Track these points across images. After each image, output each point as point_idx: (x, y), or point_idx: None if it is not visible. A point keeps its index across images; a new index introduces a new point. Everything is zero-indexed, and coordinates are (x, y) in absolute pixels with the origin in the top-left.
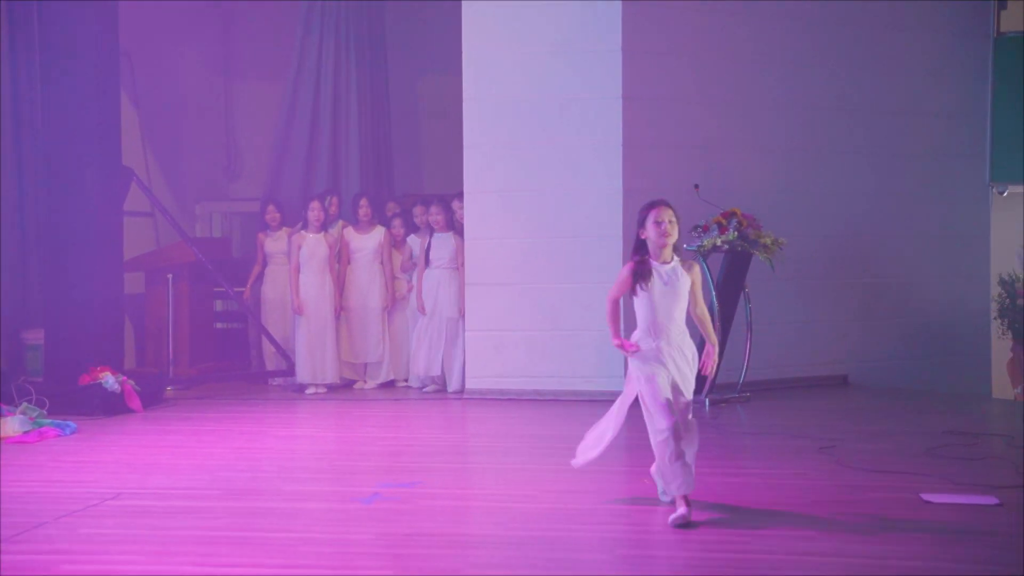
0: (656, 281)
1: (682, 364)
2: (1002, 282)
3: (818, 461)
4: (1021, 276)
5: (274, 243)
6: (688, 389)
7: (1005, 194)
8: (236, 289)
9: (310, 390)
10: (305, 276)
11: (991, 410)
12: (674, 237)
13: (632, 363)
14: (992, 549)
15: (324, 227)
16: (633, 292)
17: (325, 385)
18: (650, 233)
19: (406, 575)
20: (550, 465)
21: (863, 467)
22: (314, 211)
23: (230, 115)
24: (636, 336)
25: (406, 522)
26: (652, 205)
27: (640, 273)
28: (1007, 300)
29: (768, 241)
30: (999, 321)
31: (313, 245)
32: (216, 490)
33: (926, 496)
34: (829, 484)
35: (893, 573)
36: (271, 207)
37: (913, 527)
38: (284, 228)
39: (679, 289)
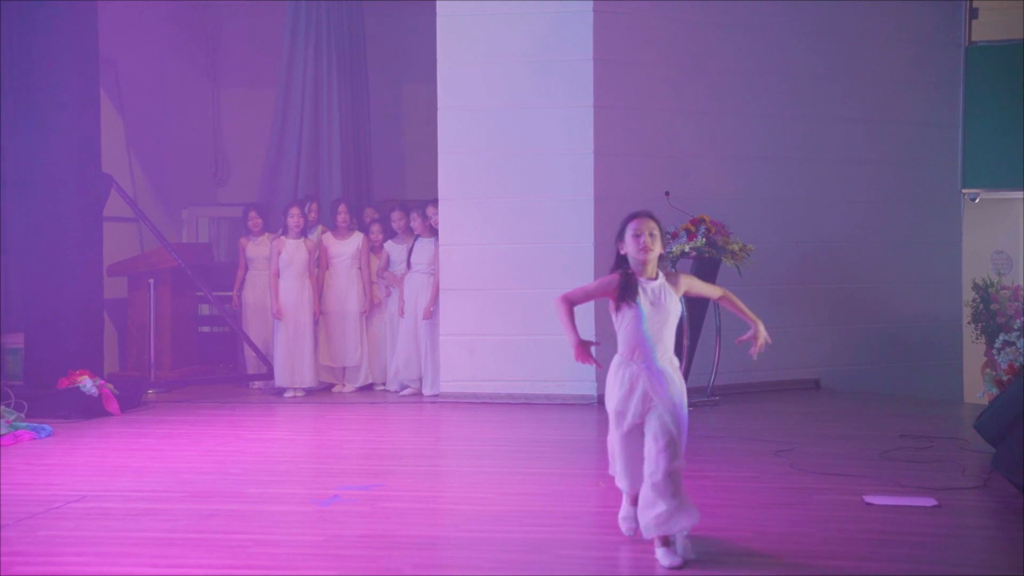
0: (643, 299)
1: (664, 391)
2: (976, 287)
3: (773, 464)
4: (995, 282)
5: (256, 248)
6: (673, 421)
7: (976, 201)
8: (220, 294)
9: (288, 393)
10: (284, 281)
11: (958, 414)
12: (655, 252)
13: (607, 386)
14: (927, 549)
15: (304, 233)
16: (616, 309)
17: (303, 389)
18: (629, 247)
19: (347, 575)
20: (513, 468)
21: (815, 470)
22: (293, 217)
23: (217, 121)
24: (616, 361)
25: (360, 524)
26: (632, 217)
27: (627, 288)
28: (981, 305)
29: (736, 247)
30: (972, 326)
31: (292, 251)
32: (180, 492)
33: (868, 498)
34: (778, 487)
35: (829, 573)
36: (253, 213)
37: (853, 528)
38: (266, 234)
39: (669, 308)
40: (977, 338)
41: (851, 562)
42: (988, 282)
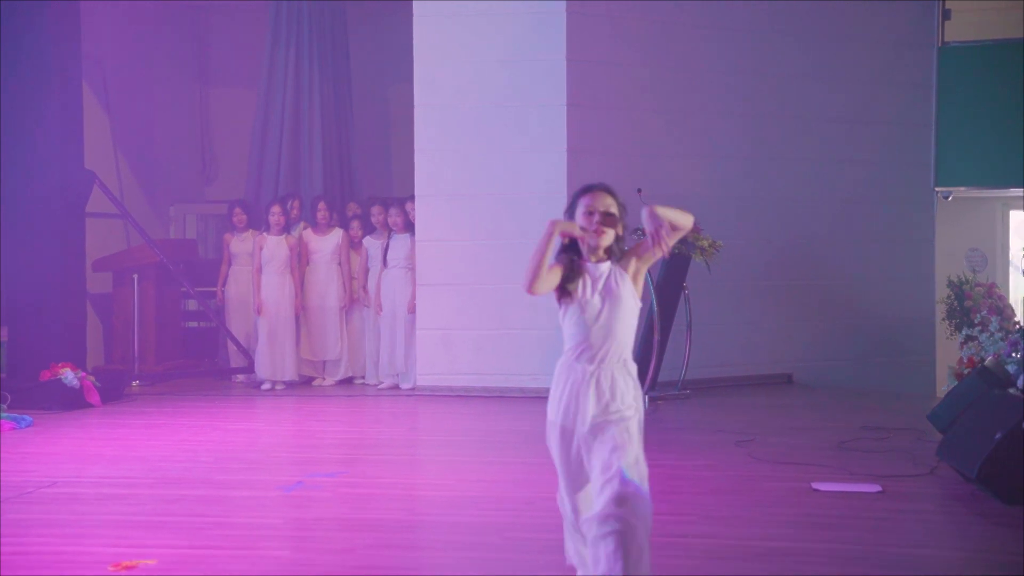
0: (588, 287)
1: (619, 399)
2: (951, 284)
3: (731, 454)
4: (969, 279)
5: (240, 244)
6: (625, 438)
7: (950, 199)
8: (204, 290)
9: (266, 386)
10: (266, 277)
11: (925, 408)
12: (611, 234)
13: (550, 395)
14: (869, 531)
15: (286, 229)
16: (558, 299)
17: (284, 382)
18: (580, 226)
19: (296, 555)
20: (479, 457)
21: (770, 460)
22: (274, 215)
23: (204, 119)
24: (561, 362)
25: (319, 508)
26: (584, 190)
27: (569, 276)
28: (955, 302)
29: (705, 244)
30: (947, 322)
31: (273, 247)
32: (148, 479)
33: (816, 485)
34: (732, 474)
35: (769, 548)
36: (238, 209)
37: (798, 512)
38: (250, 230)
39: (621, 295)
40: (952, 334)
41: (793, 543)
42: (963, 279)
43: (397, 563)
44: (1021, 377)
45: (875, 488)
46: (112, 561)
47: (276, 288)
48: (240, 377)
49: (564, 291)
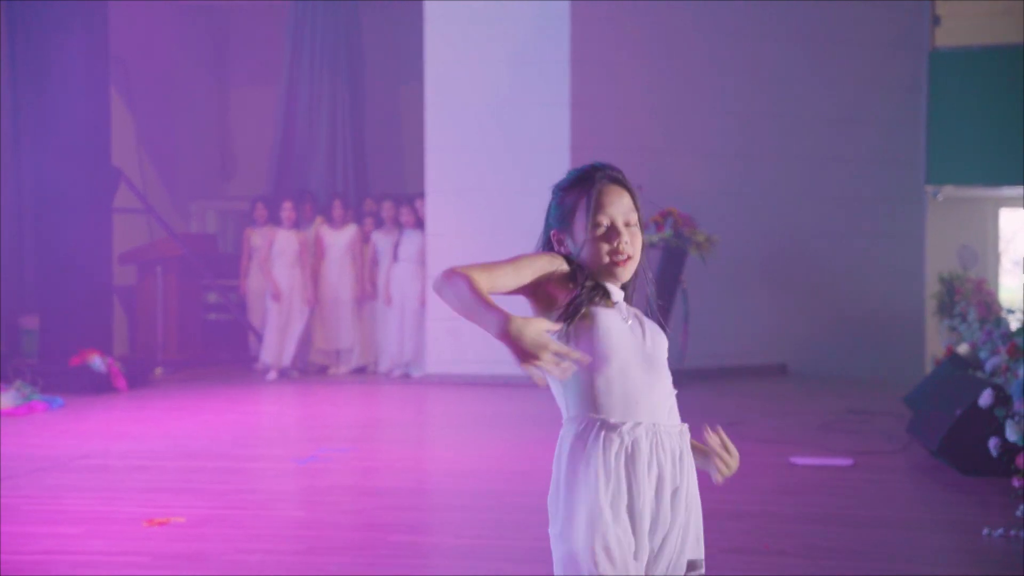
0: (611, 313)
1: (687, 520)
2: (942, 280)
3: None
4: (960, 275)
5: (260, 239)
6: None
7: (940, 198)
8: (224, 282)
9: (271, 375)
10: (277, 269)
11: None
12: (636, 259)
13: (561, 496)
14: (838, 497)
15: (297, 224)
16: (565, 316)
17: (296, 369)
18: (589, 248)
19: (311, 515)
20: (481, 435)
21: (756, 438)
22: (286, 210)
23: (224, 117)
24: (576, 430)
25: (331, 478)
26: (592, 183)
27: (595, 287)
28: (946, 297)
29: (701, 239)
30: (938, 317)
31: (283, 241)
32: (173, 452)
33: (794, 459)
34: None
35: (744, 512)
36: (259, 204)
37: (774, 482)
38: (269, 224)
39: (655, 334)
40: (943, 330)
41: (764, 506)
42: (954, 275)
43: (401, 521)
44: (989, 362)
45: (847, 462)
46: (144, 518)
47: (286, 280)
48: (262, 365)
49: (586, 300)
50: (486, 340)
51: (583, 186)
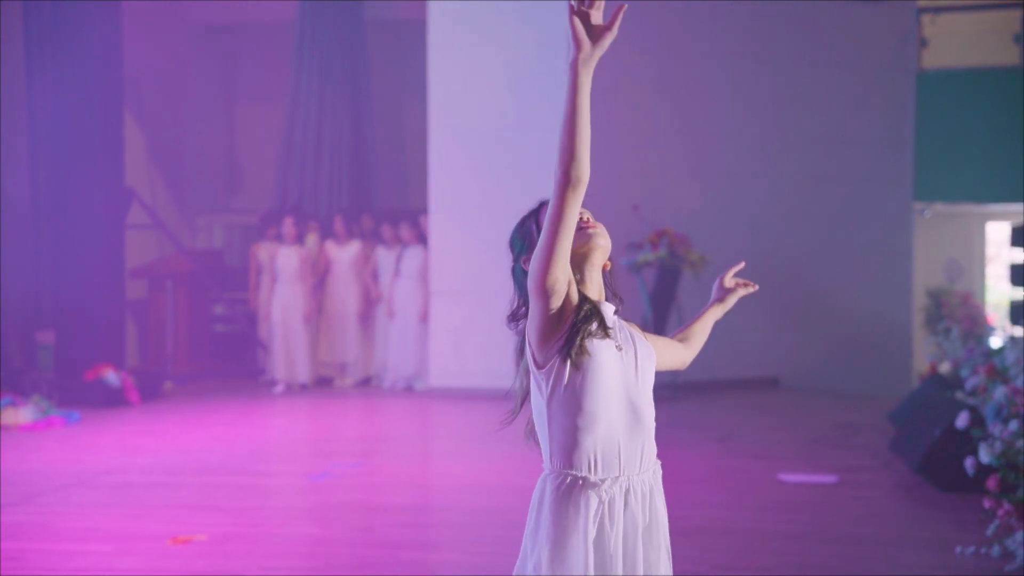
0: (605, 344)
1: (657, 543)
2: (929, 294)
3: (709, 448)
4: (947, 289)
5: (266, 253)
6: None
7: (927, 215)
8: (231, 295)
9: (278, 388)
10: (280, 285)
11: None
12: (605, 238)
13: (538, 539)
14: (824, 514)
15: (299, 240)
16: (559, 350)
17: (299, 384)
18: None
19: (326, 532)
20: (485, 449)
21: (746, 454)
22: (287, 226)
23: (230, 133)
24: (554, 484)
25: (343, 493)
26: (537, 209)
27: (592, 313)
28: (934, 311)
29: (695, 258)
30: (926, 330)
31: (285, 257)
32: (191, 468)
33: (782, 476)
34: (709, 466)
35: (733, 528)
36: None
37: (764, 498)
38: (275, 241)
39: (644, 359)
40: (930, 342)
41: (753, 523)
42: (941, 289)
43: (412, 538)
44: (969, 381)
45: (833, 479)
46: (169, 536)
47: (288, 296)
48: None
49: (580, 335)
50: (488, 352)
51: (532, 214)
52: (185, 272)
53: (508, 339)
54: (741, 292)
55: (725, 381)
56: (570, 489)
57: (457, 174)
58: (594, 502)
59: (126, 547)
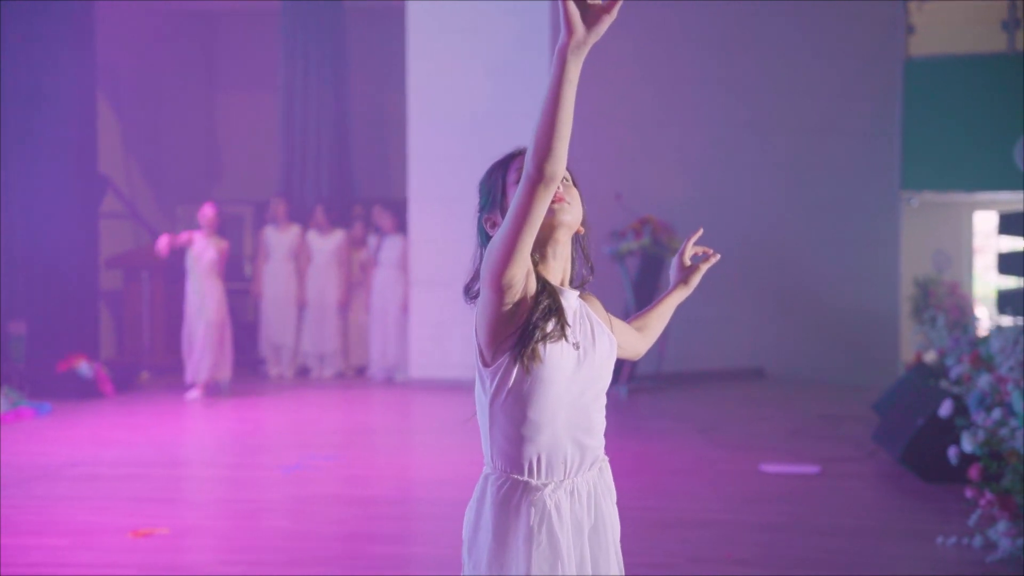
0: (560, 346)
1: (606, 544)
2: (917, 283)
3: (693, 440)
4: (935, 278)
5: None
6: None
7: (915, 204)
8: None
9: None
10: (272, 265)
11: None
12: (576, 212)
13: (475, 547)
14: (805, 505)
15: (291, 221)
16: (510, 348)
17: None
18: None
19: (295, 526)
20: (463, 441)
21: (728, 445)
22: (278, 208)
23: (211, 122)
24: (495, 486)
25: (315, 486)
26: (503, 161)
27: (552, 308)
28: (921, 300)
29: (679, 246)
30: (914, 319)
31: (277, 239)
32: (160, 461)
33: (763, 467)
34: (690, 457)
35: (709, 520)
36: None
37: (745, 489)
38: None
39: (602, 350)
40: (918, 332)
41: (729, 515)
42: (928, 278)
43: (383, 531)
44: (954, 370)
45: (815, 469)
46: (130, 529)
47: (280, 278)
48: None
49: (535, 336)
50: (469, 343)
51: (501, 164)
52: (162, 262)
53: None
54: (703, 267)
55: (710, 372)
56: (511, 492)
57: (437, 163)
58: (538, 506)
59: (84, 541)
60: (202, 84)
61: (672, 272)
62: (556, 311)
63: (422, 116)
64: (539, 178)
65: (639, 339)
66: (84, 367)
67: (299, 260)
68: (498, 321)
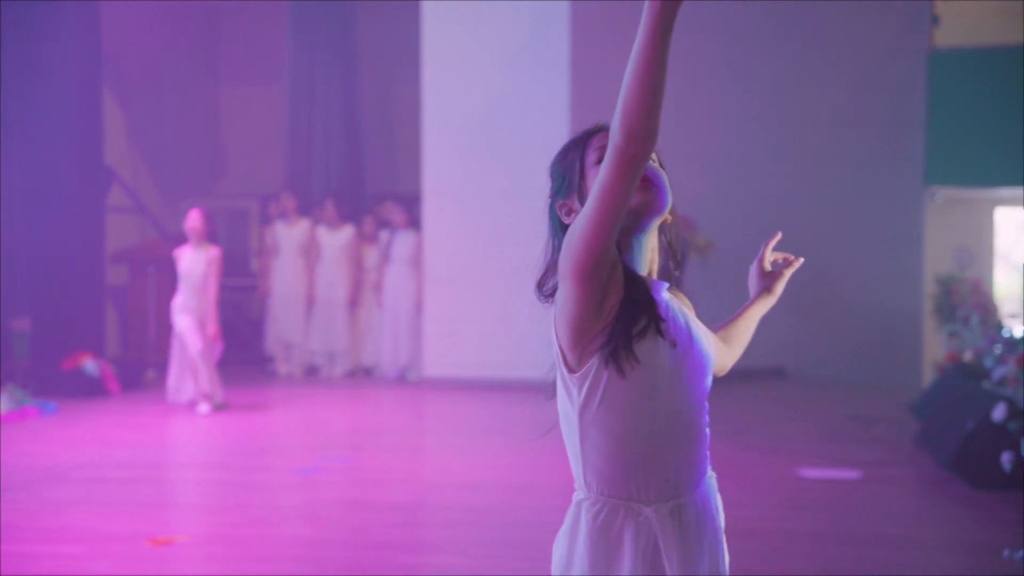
0: (657, 344)
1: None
2: (939, 281)
3: (722, 442)
4: (957, 276)
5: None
6: None
7: (939, 199)
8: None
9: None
10: (281, 260)
11: (910, 400)
12: (665, 212)
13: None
14: (848, 513)
15: (300, 214)
16: (598, 349)
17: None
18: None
19: (316, 533)
20: (481, 444)
21: (760, 448)
22: (287, 201)
23: (215, 115)
24: (588, 508)
25: (333, 491)
26: (580, 139)
27: (643, 300)
28: (943, 299)
29: (702, 242)
30: (935, 318)
31: (286, 233)
32: (172, 463)
33: (802, 471)
34: (722, 461)
35: (756, 529)
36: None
37: (784, 496)
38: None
39: (704, 348)
40: (939, 329)
41: (777, 523)
42: (950, 276)
43: (407, 539)
44: (996, 371)
45: (856, 475)
46: (147, 537)
47: (289, 273)
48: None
49: (629, 332)
50: (484, 342)
51: (578, 143)
52: (168, 257)
53: (503, 328)
54: (788, 273)
55: (730, 371)
56: (611, 518)
57: (452, 157)
58: (642, 532)
59: (100, 549)
60: (206, 76)
61: (752, 280)
62: (649, 305)
63: (437, 109)
64: (630, 151)
65: (726, 352)
66: (90, 365)
67: (309, 256)
68: (584, 318)
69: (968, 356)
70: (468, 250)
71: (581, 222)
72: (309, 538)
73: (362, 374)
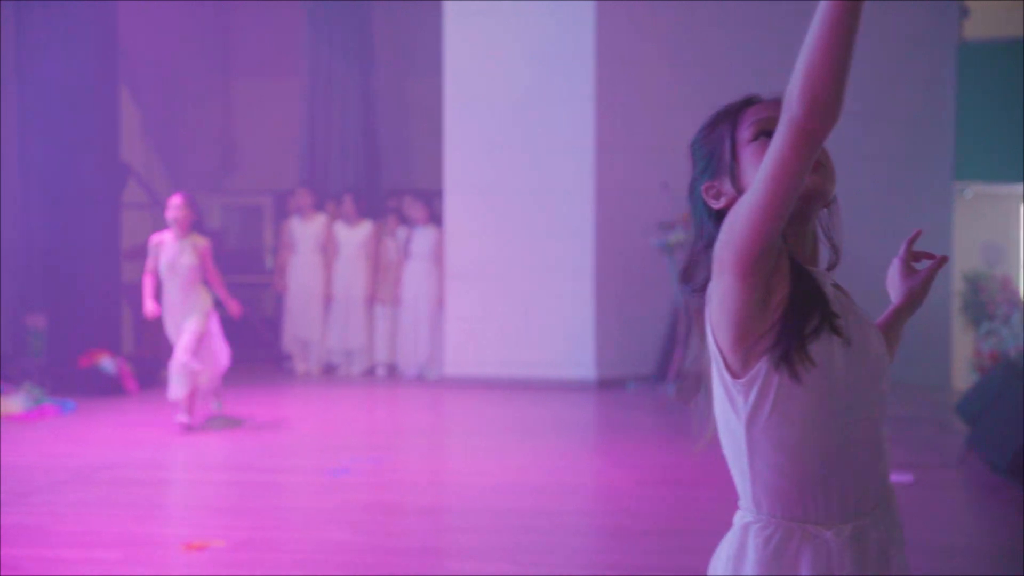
0: (831, 343)
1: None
2: (966, 278)
3: None
4: (985, 273)
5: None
6: None
7: (969, 195)
8: (239, 278)
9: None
10: (298, 258)
11: (943, 399)
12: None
13: None
14: (905, 521)
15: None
16: (767, 350)
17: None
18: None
19: (358, 538)
20: (510, 444)
21: None
22: (303, 198)
23: (228, 110)
24: (766, 542)
25: (368, 493)
26: (731, 110)
27: (814, 292)
28: (970, 296)
29: None
30: (963, 315)
31: (303, 230)
32: (198, 463)
33: None
34: None
35: None
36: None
37: None
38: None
39: (875, 344)
40: (967, 327)
41: None
42: (978, 273)
43: (453, 544)
44: None
45: (908, 478)
46: (183, 541)
47: (307, 270)
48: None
49: (802, 332)
50: (506, 340)
51: (727, 116)
52: None
53: (525, 326)
54: (935, 273)
55: None
56: (785, 543)
57: (474, 151)
58: (821, 559)
59: (135, 554)
60: (220, 71)
61: (894, 281)
62: (820, 300)
63: (460, 104)
64: (810, 125)
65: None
66: (107, 363)
67: (327, 252)
68: (748, 316)
69: (1014, 354)
70: (491, 246)
71: (747, 206)
72: (353, 543)
73: (383, 371)
